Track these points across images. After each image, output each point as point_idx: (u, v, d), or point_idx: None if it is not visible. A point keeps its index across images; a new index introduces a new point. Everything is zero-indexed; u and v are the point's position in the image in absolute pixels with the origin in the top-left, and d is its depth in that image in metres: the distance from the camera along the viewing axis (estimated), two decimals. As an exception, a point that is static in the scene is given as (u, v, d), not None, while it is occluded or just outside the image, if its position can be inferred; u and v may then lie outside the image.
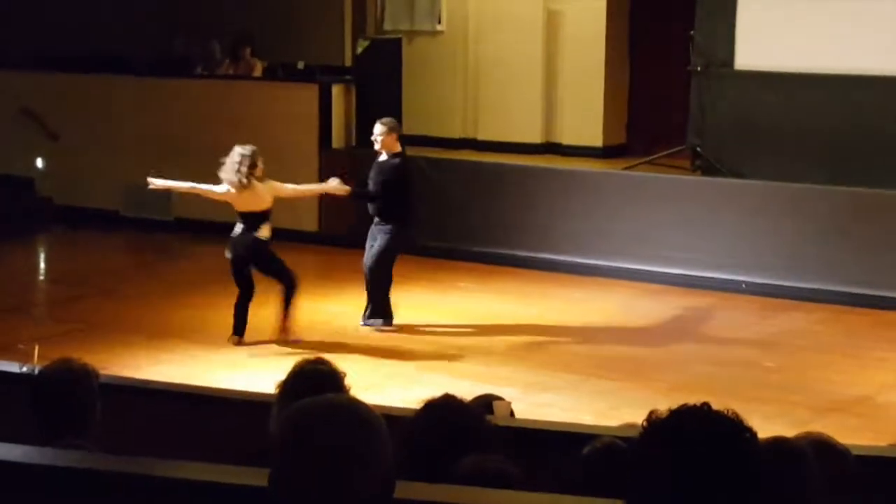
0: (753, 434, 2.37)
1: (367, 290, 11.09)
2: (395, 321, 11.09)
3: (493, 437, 3.28)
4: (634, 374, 9.77)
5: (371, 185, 11.05)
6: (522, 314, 11.22)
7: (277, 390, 3.96)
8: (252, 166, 10.55)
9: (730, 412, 2.39)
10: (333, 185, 11.12)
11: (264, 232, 10.57)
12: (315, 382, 3.79)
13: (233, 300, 10.72)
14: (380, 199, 10.97)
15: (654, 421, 2.38)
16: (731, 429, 2.35)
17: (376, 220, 11.07)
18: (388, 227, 10.95)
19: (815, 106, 12.87)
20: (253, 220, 10.57)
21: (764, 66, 13.15)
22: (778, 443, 3.45)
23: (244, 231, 10.62)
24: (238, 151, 10.58)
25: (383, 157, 11.03)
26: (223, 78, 15.59)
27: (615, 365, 10.04)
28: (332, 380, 3.89)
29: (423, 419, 3.24)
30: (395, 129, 11.07)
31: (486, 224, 13.32)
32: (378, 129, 10.98)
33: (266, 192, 10.64)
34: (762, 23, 13.17)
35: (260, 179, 10.66)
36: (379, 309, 11.00)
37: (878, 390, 9.43)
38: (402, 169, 11.08)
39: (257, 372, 9.24)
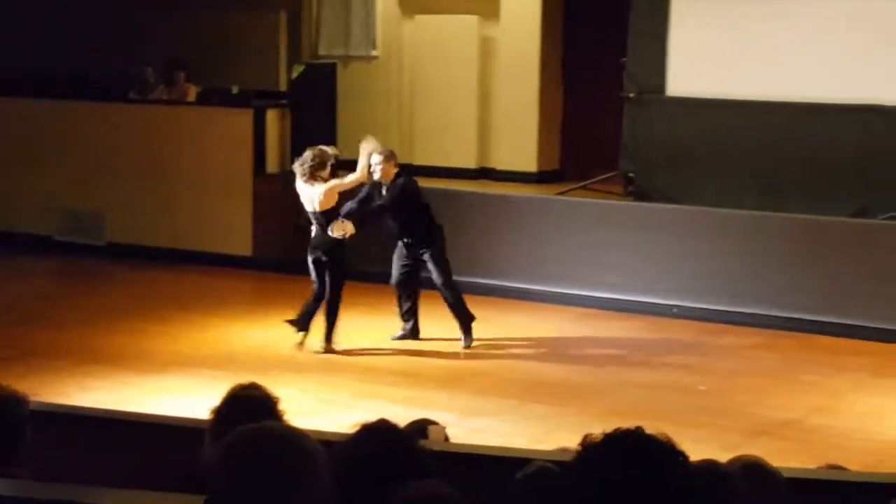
0: (685, 457, 2.40)
1: (452, 310, 11.19)
2: (334, 346, 11.11)
3: (428, 462, 3.28)
4: (569, 398, 9.80)
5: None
6: (458, 339, 11.22)
7: (211, 416, 3.93)
8: (317, 167, 10.84)
9: (662, 436, 2.41)
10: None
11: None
12: (248, 408, 3.77)
13: (165, 327, 10.65)
14: (405, 216, 11.14)
15: (587, 445, 2.40)
16: (664, 452, 2.38)
17: (407, 240, 11.20)
18: (425, 240, 11.13)
19: (746, 132, 13.02)
20: (322, 218, 10.88)
21: (695, 93, 13.29)
22: (708, 466, 3.48)
23: (319, 232, 10.98)
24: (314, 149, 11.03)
25: (384, 184, 11.10)
26: (157, 103, 15.51)
27: (550, 389, 10.07)
28: (265, 405, 3.87)
29: (357, 444, 3.23)
30: (392, 157, 11.21)
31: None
32: (376, 158, 11.05)
33: (329, 192, 10.87)
34: (693, 50, 13.32)
35: (325, 180, 10.88)
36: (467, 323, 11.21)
37: (808, 414, 9.52)
38: (412, 184, 11.27)
39: (189, 397, 9.17)
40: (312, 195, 10.96)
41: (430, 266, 11.21)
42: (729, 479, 3.46)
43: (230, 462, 2.39)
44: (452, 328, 11.26)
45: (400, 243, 11.32)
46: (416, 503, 3.06)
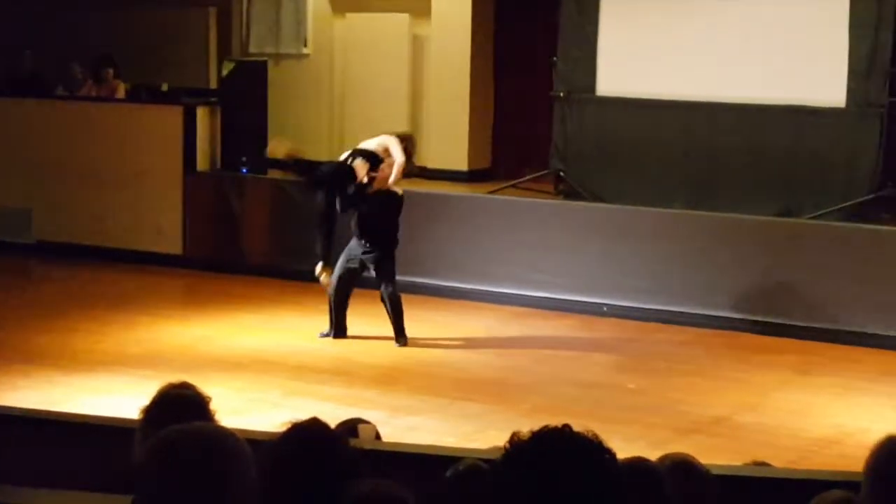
0: (613, 455, 2.42)
1: (391, 313, 11.22)
2: (264, 345, 11.08)
3: (357, 461, 3.29)
4: (499, 396, 9.84)
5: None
6: (388, 337, 11.23)
7: (140, 416, 3.92)
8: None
9: (590, 433, 2.44)
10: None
11: None
12: (179, 408, 3.75)
13: (94, 326, 10.57)
14: (377, 224, 11.19)
15: (515, 443, 2.42)
16: (591, 450, 2.40)
17: (366, 244, 11.17)
18: (383, 252, 11.15)
19: (675, 131, 13.15)
20: None
21: (625, 93, 13.40)
22: (636, 463, 3.51)
23: None
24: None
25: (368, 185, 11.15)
26: (85, 99, 15.37)
27: (480, 388, 10.11)
28: (196, 404, 3.85)
29: (285, 444, 3.23)
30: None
31: (352, 247, 13.30)
32: (399, 159, 11.13)
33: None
34: (622, 50, 13.42)
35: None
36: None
37: (736, 410, 9.62)
38: (401, 201, 11.34)
39: (119, 397, 9.12)
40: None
41: (379, 274, 11.21)
42: (657, 477, 3.50)
43: (156, 463, 2.40)
44: (382, 326, 11.27)
45: (354, 242, 11.27)
46: (368, 503, 3.08)
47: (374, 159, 11.17)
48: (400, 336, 11.22)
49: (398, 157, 11.11)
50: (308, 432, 3.26)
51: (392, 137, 11.30)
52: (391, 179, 11.13)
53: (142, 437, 3.75)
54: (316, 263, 11.37)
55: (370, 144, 11.32)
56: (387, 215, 11.19)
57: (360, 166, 11.13)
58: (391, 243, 11.25)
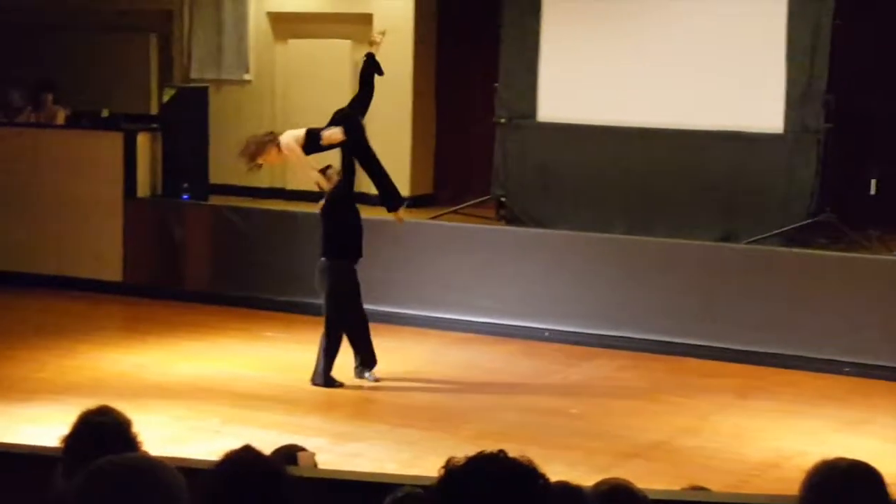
0: (546, 480, 2.44)
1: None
2: (204, 372, 11.01)
3: (295, 489, 3.28)
4: (441, 422, 9.85)
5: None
6: (340, 362, 11.19)
7: (61, 444, 3.84)
8: None
9: (524, 459, 2.46)
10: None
11: None
12: (99, 435, 3.70)
13: (32, 353, 10.47)
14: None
15: (450, 468, 2.43)
16: (525, 475, 2.42)
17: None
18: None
19: (615, 158, 13.24)
20: None
21: (566, 119, 13.49)
22: (568, 489, 3.53)
23: None
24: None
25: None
26: (24, 126, 15.26)
27: (422, 414, 10.11)
28: (116, 431, 3.77)
29: (220, 473, 3.22)
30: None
31: (294, 274, 13.28)
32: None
33: None
34: (563, 77, 13.52)
35: None
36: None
37: (675, 435, 9.68)
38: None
39: (57, 426, 9.00)
40: None
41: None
42: (587, 502, 3.52)
43: (88, 497, 2.38)
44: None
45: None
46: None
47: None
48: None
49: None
50: (243, 461, 3.24)
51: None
52: (326, 132, 10.93)
53: (64, 466, 3.69)
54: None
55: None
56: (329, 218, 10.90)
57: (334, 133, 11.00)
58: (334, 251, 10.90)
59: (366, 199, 12.06)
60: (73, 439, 3.80)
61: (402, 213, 11.17)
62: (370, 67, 11.15)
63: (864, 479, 3.47)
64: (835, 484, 3.45)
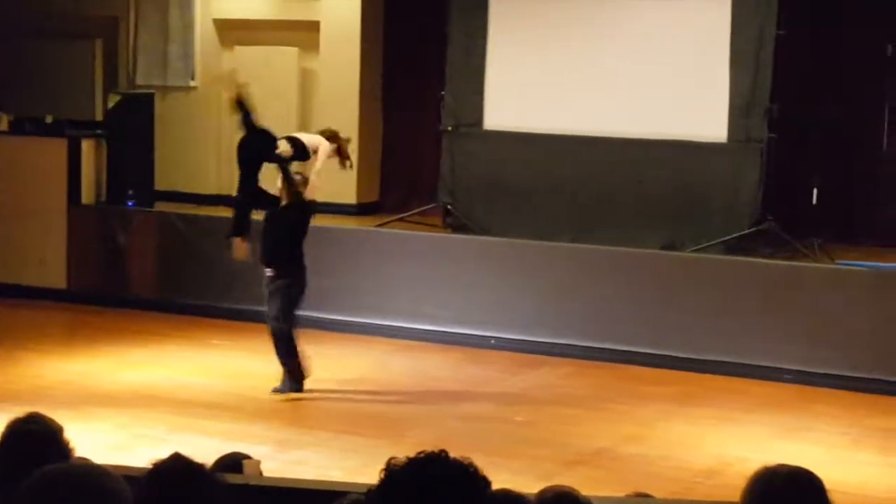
0: (487, 482, 2.45)
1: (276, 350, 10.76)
2: (150, 380, 10.96)
3: (231, 496, 3.27)
4: (386, 430, 9.85)
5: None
6: (275, 371, 11.15)
7: None
8: None
9: (466, 460, 2.47)
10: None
11: None
12: (29, 443, 3.65)
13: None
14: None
15: (391, 469, 2.44)
16: (466, 477, 2.43)
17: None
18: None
19: (561, 165, 13.30)
20: None
21: (512, 127, 13.53)
22: (508, 495, 3.55)
23: None
24: None
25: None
26: (-34, 131, 15.14)
27: (367, 422, 10.12)
28: (46, 438, 3.70)
29: (150, 481, 3.17)
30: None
31: (240, 281, 13.21)
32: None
33: None
34: (510, 85, 13.57)
35: None
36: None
37: (619, 442, 9.74)
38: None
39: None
40: None
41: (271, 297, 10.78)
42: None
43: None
44: (268, 360, 11.19)
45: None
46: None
47: (303, 153, 10.83)
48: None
49: (317, 163, 10.75)
50: (171, 469, 3.20)
51: (325, 142, 10.85)
52: (308, 188, 10.70)
53: None
54: (228, 239, 10.94)
55: (303, 137, 11.05)
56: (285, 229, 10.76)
57: (283, 146, 10.71)
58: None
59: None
60: (1, 448, 3.71)
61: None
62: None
63: (805, 486, 3.51)
64: (776, 490, 3.49)
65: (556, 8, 13.50)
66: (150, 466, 3.22)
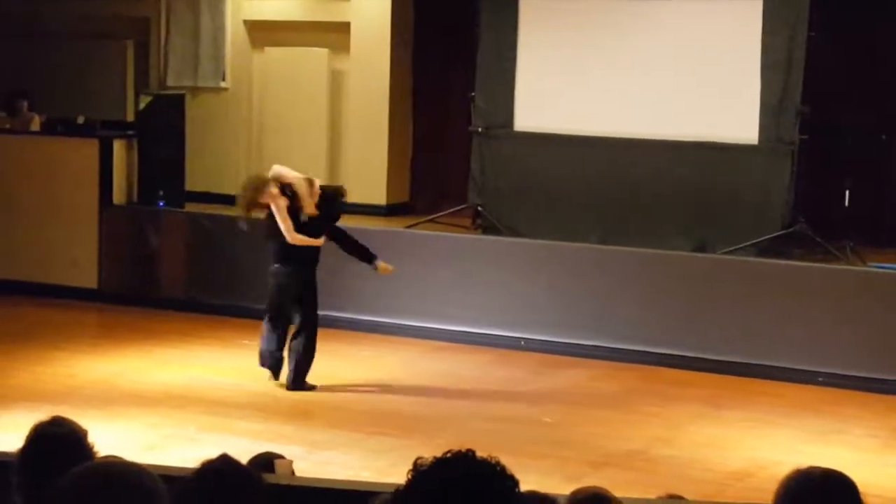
0: (516, 482, 2.44)
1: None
2: (180, 380, 11.00)
3: (270, 497, 3.29)
4: (415, 431, 9.85)
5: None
6: (313, 371, 11.19)
7: (17, 457, 3.72)
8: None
9: (493, 459, 2.45)
10: None
11: None
12: (54, 446, 3.63)
13: (7, 361, 10.44)
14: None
15: (418, 468, 2.43)
16: (494, 475, 2.41)
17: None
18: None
19: (591, 167, 13.27)
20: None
21: (542, 128, 13.52)
22: (538, 497, 3.54)
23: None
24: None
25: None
26: (-1, 132, 15.22)
27: (397, 422, 10.12)
28: (71, 441, 3.70)
29: (197, 482, 3.21)
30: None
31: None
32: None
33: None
34: (540, 86, 13.55)
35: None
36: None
37: (650, 444, 9.71)
38: None
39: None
40: None
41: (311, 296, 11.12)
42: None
43: (68, 501, 2.38)
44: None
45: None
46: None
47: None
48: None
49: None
50: (220, 470, 3.24)
51: (303, 183, 11.25)
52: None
53: (19, 479, 3.61)
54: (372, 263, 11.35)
55: (290, 175, 11.29)
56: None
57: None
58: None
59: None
60: (27, 451, 3.70)
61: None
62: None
63: (838, 488, 3.49)
64: (810, 492, 3.47)
65: (586, 10, 13.49)
66: (199, 466, 3.23)
